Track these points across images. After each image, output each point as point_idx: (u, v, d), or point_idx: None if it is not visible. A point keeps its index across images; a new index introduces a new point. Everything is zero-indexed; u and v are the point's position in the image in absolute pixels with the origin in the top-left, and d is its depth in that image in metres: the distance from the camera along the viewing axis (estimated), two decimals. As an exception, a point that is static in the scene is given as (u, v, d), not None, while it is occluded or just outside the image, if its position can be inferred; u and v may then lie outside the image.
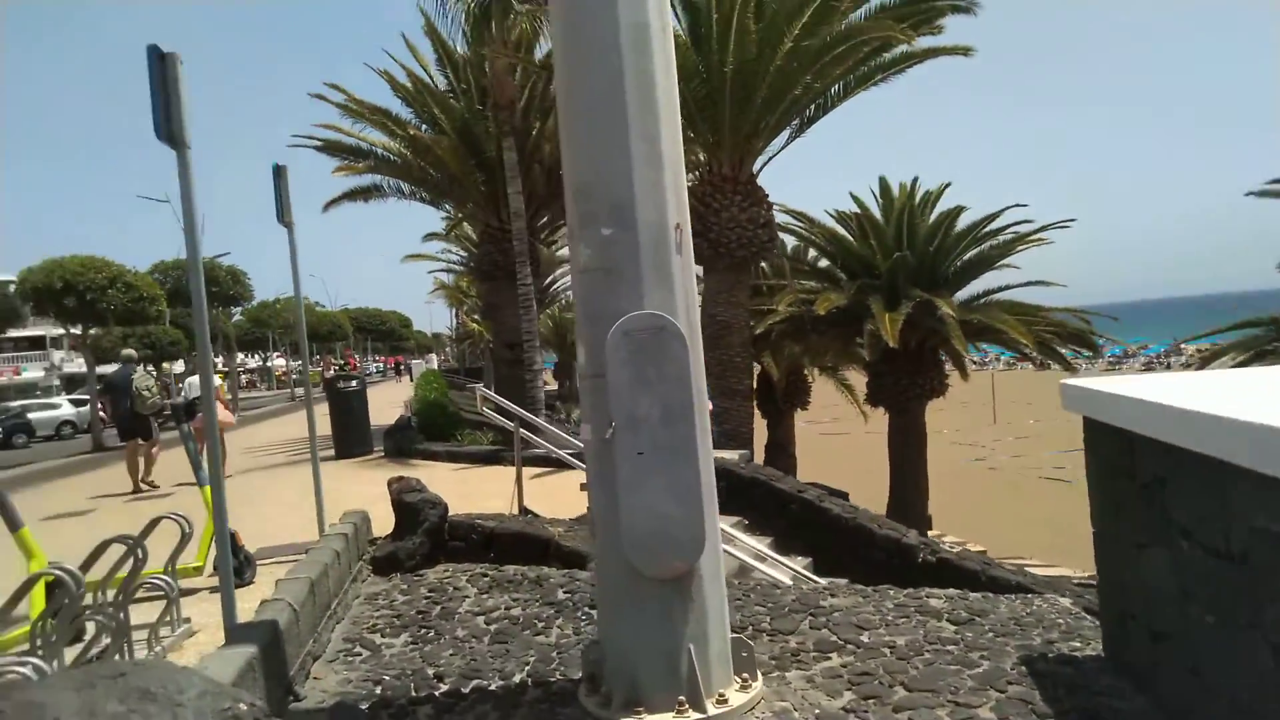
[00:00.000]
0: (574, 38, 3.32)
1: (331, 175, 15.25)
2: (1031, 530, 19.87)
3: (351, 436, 12.13)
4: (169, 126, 3.51)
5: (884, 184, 16.12)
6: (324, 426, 19.02)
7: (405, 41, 16.13)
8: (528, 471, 9.72)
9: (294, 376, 52.96)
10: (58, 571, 3.00)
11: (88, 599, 4.21)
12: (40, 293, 19.69)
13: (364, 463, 11.69)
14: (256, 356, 69.06)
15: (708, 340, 11.77)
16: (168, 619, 4.00)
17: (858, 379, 21.23)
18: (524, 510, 6.64)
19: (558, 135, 13.45)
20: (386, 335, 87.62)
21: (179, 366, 53.61)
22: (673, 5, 12.12)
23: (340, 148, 16.38)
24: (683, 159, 3.41)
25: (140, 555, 3.52)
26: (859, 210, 16.11)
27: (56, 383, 51.88)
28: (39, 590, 3.99)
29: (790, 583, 5.44)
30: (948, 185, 16.04)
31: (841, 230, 16.56)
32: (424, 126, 15.65)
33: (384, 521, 6.45)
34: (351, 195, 18.21)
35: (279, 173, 5.55)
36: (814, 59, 10.36)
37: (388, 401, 24.73)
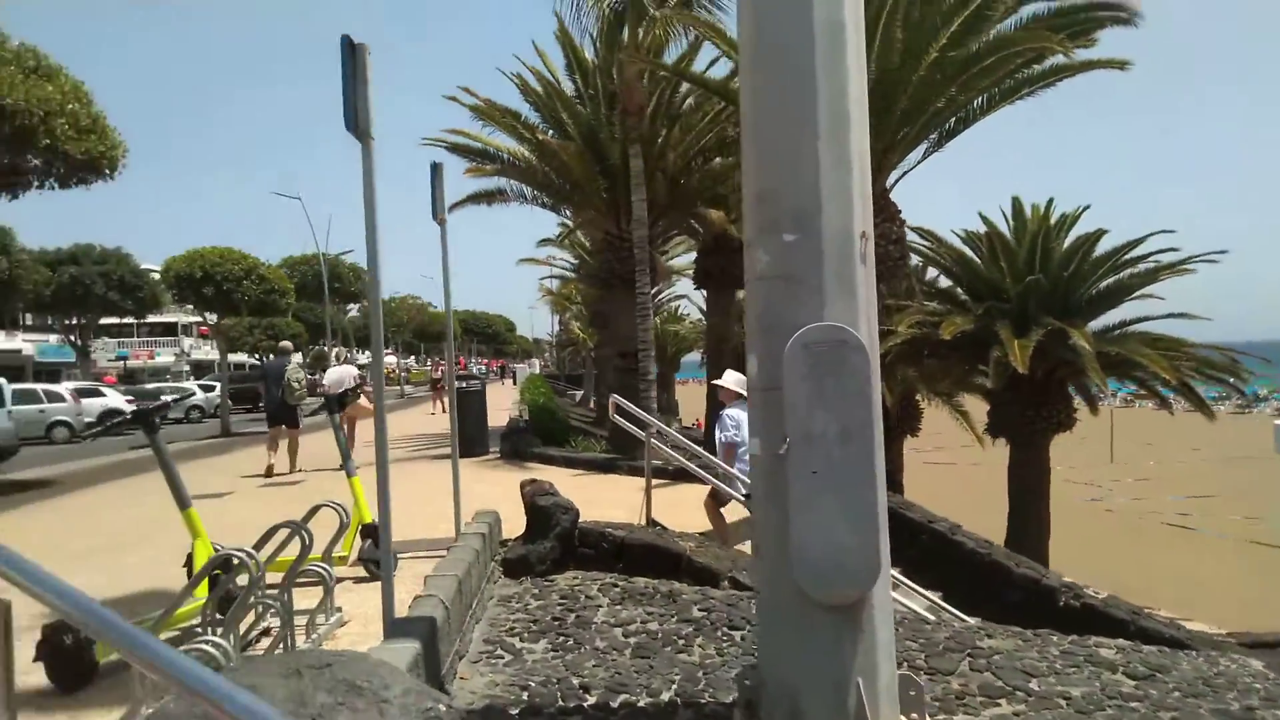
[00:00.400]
0: (763, 36, 3.22)
1: (463, 175, 15.73)
2: (1156, 578, 18.66)
3: (470, 436, 12.35)
4: (356, 119, 3.57)
5: (1017, 204, 15.45)
6: (440, 425, 19.51)
7: (535, 47, 16.44)
8: (642, 482, 9.69)
9: (402, 374, 54.72)
10: (241, 555, 3.06)
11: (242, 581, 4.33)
12: (182, 281, 20.85)
13: (483, 462, 11.88)
14: (367, 353, 71.62)
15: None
16: (323, 607, 4.06)
17: (973, 407, 20.43)
18: (652, 521, 6.56)
19: (683, 143, 13.37)
20: (491, 338, 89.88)
21: (296, 357, 55.91)
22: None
23: (468, 150, 16.79)
24: (869, 164, 3.26)
25: (307, 542, 3.58)
26: (988, 230, 15.49)
27: (186, 368, 55.02)
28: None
29: (932, 616, 5.19)
30: (1086, 208, 15.27)
31: (969, 251, 15.95)
32: (550, 131, 15.87)
33: (510, 523, 6.49)
34: (476, 198, 18.62)
35: (435, 171, 5.65)
36: (960, 70, 9.97)
37: (494, 404, 25.17)
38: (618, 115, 14.72)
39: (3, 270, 23.12)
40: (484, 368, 78.33)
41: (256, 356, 44.80)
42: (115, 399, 26.08)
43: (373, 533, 5.22)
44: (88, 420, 24.23)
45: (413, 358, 77.38)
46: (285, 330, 40.48)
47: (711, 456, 6.86)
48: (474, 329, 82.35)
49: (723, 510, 7.10)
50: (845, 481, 3.02)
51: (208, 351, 60.67)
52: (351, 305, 43.58)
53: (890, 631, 3.20)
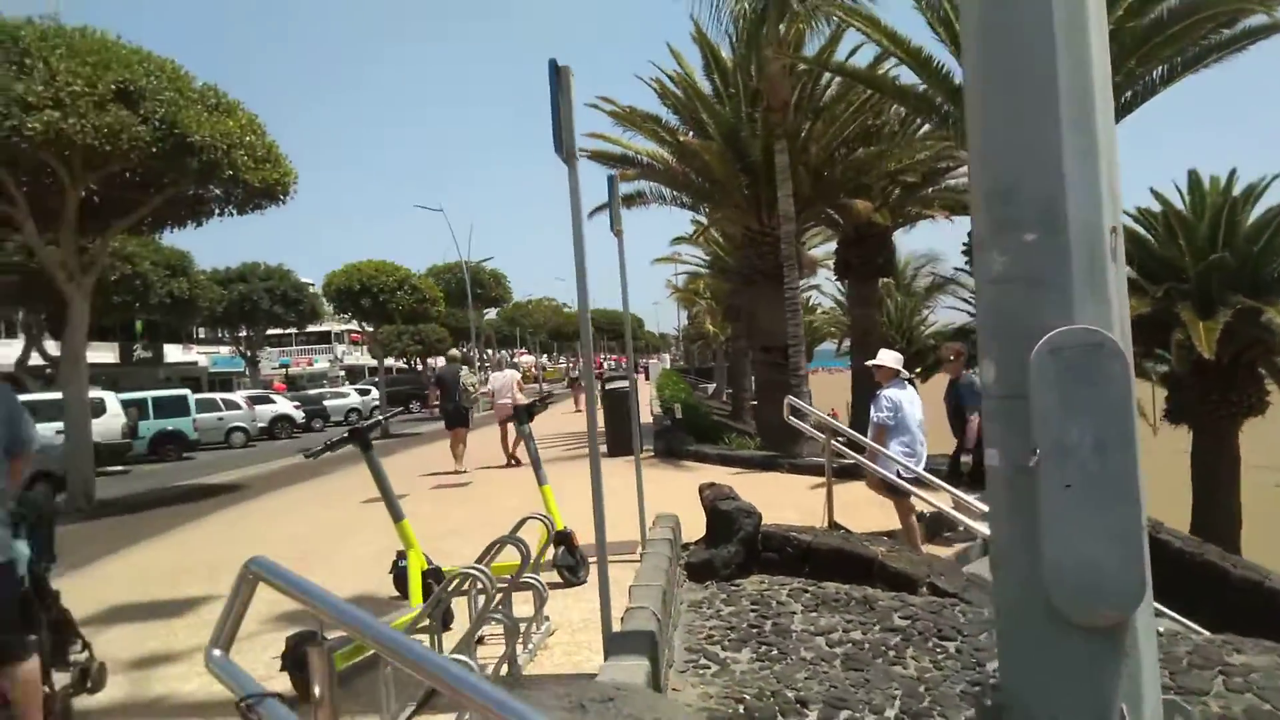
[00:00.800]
0: (995, 21, 3.02)
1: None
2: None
3: (624, 435, 12.42)
4: (563, 141, 3.60)
5: (1194, 178, 14.27)
6: (583, 422, 19.80)
7: (670, 50, 16.45)
8: (810, 480, 9.52)
9: (538, 372, 56.15)
10: (476, 573, 3.14)
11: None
12: (342, 294, 22.08)
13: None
14: (505, 353, 74.01)
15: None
16: (535, 617, 4.14)
17: (1141, 390, 19.11)
18: (834, 524, 6.41)
19: (826, 136, 13.00)
20: (621, 335, 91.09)
21: (439, 361, 58.26)
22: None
23: (607, 156, 17.03)
24: (1118, 154, 3.03)
25: (525, 555, 3.65)
26: (1164, 207, 14.39)
27: (341, 373, 58.30)
28: (417, 580, 4.28)
29: (1160, 626, 4.81)
30: (1276, 176, 13.95)
31: (1141, 230, 14.88)
32: (689, 132, 15.84)
33: (683, 526, 6.47)
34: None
35: (612, 184, 5.69)
36: (1140, 42, 9.26)
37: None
38: (760, 112, 14.53)
39: (184, 290, 25.11)
40: (615, 363, 79.57)
41: (405, 361, 47.01)
42: (284, 405, 27.89)
43: (566, 540, 5.30)
44: (259, 425, 25.97)
45: (545, 356, 79.45)
46: (430, 335, 42.29)
47: (894, 459, 6.64)
48: (604, 327, 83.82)
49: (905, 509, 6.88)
50: (1104, 497, 2.81)
51: (359, 357, 64.14)
52: (490, 309, 45.04)
53: (1154, 656, 2.96)
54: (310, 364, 58.96)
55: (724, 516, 5.78)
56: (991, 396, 3.09)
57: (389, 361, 49.71)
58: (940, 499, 6.68)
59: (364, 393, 34.83)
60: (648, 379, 41.78)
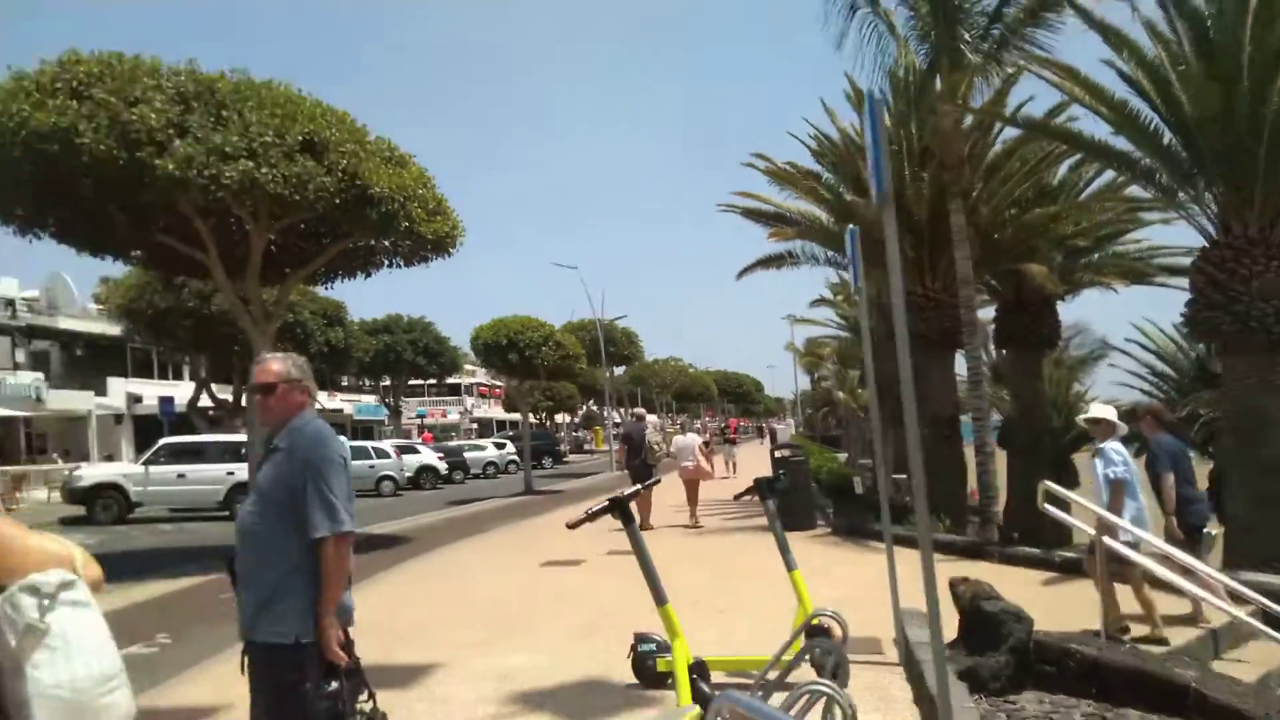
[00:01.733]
0: None
1: (768, 240, 15.82)
2: None
3: (795, 509, 11.82)
4: (882, 180, 3.27)
5: None
6: (719, 489, 18.99)
7: (824, 106, 16.11)
8: (1034, 575, 8.34)
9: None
10: (827, 690, 2.64)
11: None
12: (489, 348, 22.40)
13: (813, 539, 11.21)
14: (687, 417, 74.48)
15: (1244, 436, 9.77)
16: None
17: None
18: (1113, 635, 5.59)
19: (997, 195, 11.98)
20: (741, 398, 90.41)
21: (652, 419, 58.53)
22: (1171, 27, 10.30)
23: (760, 214, 16.76)
24: None
25: (841, 663, 3.12)
26: None
27: (473, 425, 59.61)
28: (684, 676, 3.80)
29: None
30: None
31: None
32: (848, 193, 15.38)
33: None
34: (765, 263, 18.55)
35: (854, 239, 5.33)
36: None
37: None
38: (931, 169, 13.91)
39: (340, 340, 26.07)
40: (739, 425, 78.62)
41: (534, 416, 47.70)
42: (429, 456, 28.52)
43: (821, 633, 4.73)
44: (406, 475, 26.44)
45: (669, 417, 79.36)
46: (561, 391, 42.71)
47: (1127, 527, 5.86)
48: (726, 389, 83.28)
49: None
50: None
51: (486, 410, 65.58)
52: (620, 367, 45.22)
53: None
54: (444, 415, 60.55)
55: (989, 619, 5.11)
56: None
57: (518, 416, 50.67)
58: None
59: (500, 446, 35.36)
60: (774, 443, 40.65)
